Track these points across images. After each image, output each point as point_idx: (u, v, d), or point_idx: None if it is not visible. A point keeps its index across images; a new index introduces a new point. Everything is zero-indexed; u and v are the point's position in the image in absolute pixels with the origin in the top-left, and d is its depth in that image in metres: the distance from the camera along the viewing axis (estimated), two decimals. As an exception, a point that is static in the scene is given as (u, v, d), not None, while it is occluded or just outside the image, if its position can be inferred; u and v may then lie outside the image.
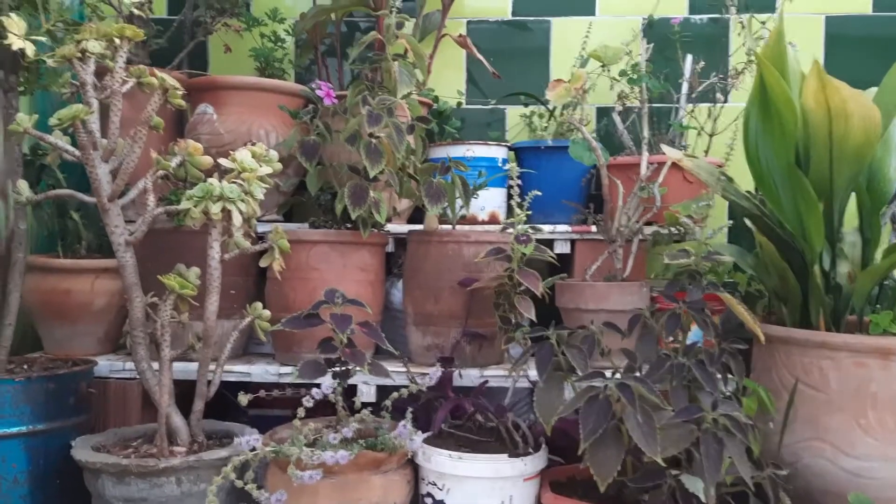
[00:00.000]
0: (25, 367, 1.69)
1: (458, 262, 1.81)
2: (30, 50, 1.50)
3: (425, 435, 1.50)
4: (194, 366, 1.78)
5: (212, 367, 1.61)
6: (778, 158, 1.45)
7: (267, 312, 1.67)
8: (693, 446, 1.27)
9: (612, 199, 1.82)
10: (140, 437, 1.63)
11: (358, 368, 1.54)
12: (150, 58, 2.18)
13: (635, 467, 1.38)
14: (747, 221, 1.50)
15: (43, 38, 1.57)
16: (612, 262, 1.83)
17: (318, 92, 1.94)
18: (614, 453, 1.28)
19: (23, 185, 1.55)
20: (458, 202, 1.86)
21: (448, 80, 2.40)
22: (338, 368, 1.55)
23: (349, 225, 1.88)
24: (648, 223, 1.89)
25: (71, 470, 1.53)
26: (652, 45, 2.08)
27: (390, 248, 2.05)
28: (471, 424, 1.63)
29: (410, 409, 1.42)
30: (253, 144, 1.65)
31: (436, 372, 1.51)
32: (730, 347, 1.44)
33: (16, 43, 1.48)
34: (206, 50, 2.48)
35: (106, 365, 1.83)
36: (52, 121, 1.40)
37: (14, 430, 1.50)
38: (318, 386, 1.50)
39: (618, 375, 1.34)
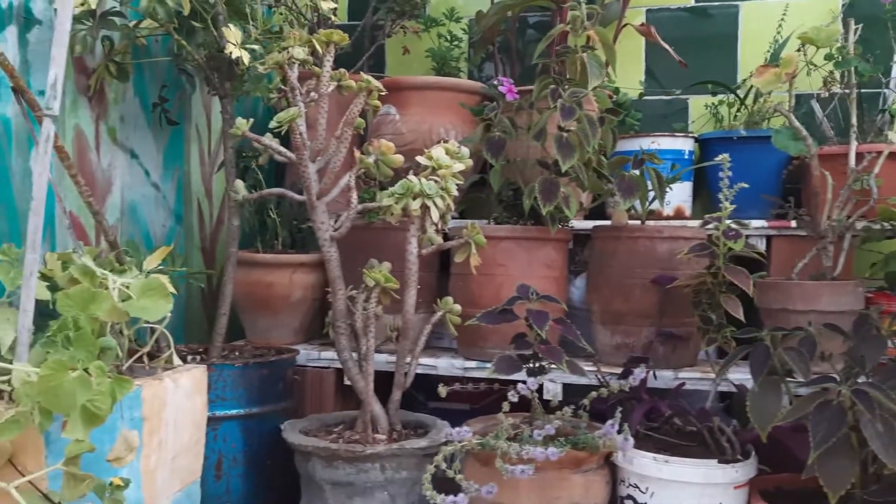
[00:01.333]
0: (236, 353, 1.82)
1: (649, 259, 1.75)
2: (246, 58, 1.60)
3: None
4: (383, 357, 1.84)
5: (407, 359, 1.66)
6: None
7: (458, 307, 1.69)
8: (940, 462, 1.15)
9: (822, 191, 1.69)
10: (340, 423, 1.70)
11: (553, 365, 1.53)
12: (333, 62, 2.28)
13: (863, 480, 1.27)
14: None
15: (256, 47, 1.67)
16: (818, 260, 1.70)
17: (500, 88, 1.94)
18: (847, 464, 1.18)
19: (239, 184, 1.66)
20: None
21: (625, 70, 2.33)
22: (531, 365, 1.55)
23: (532, 221, 1.87)
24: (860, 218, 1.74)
25: (279, 452, 1.63)
26: (860, 27, 1.91)
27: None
28: (668, 427, 1.57)
29: (619, 410, 1.39)
30: (446, 142, 1.68)
31: (640, 373, 1.47)
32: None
33: (234, 52, 1.59)
34: (384, 52, 2.56)
35: (304, 354, 1.93)
36: (272, 124, 1.49)
37: (233, 412, 1.62)
38: (508, 381, 1.50)
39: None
